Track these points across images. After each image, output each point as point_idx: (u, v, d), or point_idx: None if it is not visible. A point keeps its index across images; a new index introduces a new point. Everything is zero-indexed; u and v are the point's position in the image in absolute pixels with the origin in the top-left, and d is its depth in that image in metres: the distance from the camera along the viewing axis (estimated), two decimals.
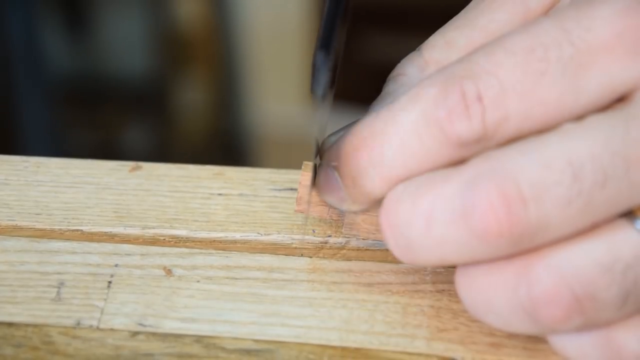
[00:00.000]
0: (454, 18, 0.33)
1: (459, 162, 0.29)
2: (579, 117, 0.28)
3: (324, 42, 0.30)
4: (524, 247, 0.28)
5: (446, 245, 0.29)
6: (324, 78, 0.29)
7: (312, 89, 0.30)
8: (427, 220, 0.29)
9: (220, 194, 0.37)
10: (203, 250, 0.35)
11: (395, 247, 0.30)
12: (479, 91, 0.28)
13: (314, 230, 0.35)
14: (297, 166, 0.36)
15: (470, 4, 0.33)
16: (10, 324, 0.32)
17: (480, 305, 0.29)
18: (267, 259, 0.35)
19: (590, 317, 0.28)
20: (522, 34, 0.29)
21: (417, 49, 0.34)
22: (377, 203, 0.31)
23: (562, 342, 0.29)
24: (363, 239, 0.35)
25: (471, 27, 0.32)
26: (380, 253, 0.35)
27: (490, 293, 0.29)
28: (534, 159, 0.28)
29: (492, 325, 0.29)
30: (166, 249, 0.35)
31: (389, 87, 0.33)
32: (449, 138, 0.29)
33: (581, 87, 0.28)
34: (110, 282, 0.34)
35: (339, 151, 0.31)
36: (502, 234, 0.28)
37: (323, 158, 0.33)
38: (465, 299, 0.30)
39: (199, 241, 0.35)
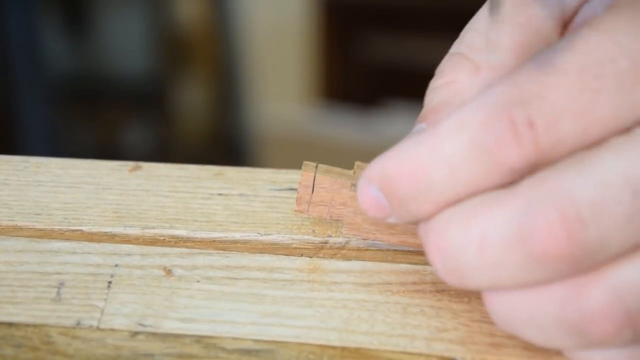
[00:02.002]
0: (479, 12, 0.32)
1: (510, 183, 0.29)
2: (626, 130, 0.28)
3: None
4: (583, 267, 0.27)
5: (500, 269, 0.28)
6: None
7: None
8: (480, 244, 0.28)
9: (220, 194, 0.37)
10: (203, 250, 0.35)
11: (444, 270, 0.29)
12: (530, 117, 0.28)
13: (314, 230, 0.35)
14: (297, 166, 0.36)
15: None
16: (10, 324, 0.32)
17: (519, 320, 0.29)
18: (267, 259, 0.35)
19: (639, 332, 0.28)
20: (572, 51, 0.28)
21: (455, 51, 0.32)
22: None
23: (588, 357, 0.29)
24: (363, 239, 0.35)
25: (511, 25, 0.31)
26: (381, 253, 0.35)
27: (533, 309, 0.28)
28: (591, 178, 0.27)
29: (527, 339, 0.29)
30: (166, 249, 0.35)
31: (442, 94, 0.31)
32: (499, 165, 0.28)
33: (636, 100, 0.27)
34: (110, 282, 0.34)
35: (383, 174, 0.30)
36: (563, 257, 0.27)
37: (362, 176, 0.31)
38: (498, 313, 0.29)
39: (199, 241, 0.35)
